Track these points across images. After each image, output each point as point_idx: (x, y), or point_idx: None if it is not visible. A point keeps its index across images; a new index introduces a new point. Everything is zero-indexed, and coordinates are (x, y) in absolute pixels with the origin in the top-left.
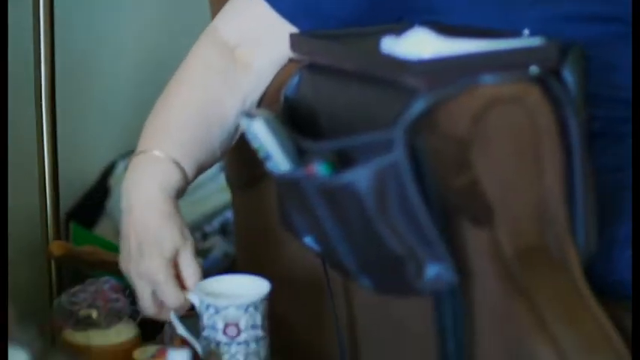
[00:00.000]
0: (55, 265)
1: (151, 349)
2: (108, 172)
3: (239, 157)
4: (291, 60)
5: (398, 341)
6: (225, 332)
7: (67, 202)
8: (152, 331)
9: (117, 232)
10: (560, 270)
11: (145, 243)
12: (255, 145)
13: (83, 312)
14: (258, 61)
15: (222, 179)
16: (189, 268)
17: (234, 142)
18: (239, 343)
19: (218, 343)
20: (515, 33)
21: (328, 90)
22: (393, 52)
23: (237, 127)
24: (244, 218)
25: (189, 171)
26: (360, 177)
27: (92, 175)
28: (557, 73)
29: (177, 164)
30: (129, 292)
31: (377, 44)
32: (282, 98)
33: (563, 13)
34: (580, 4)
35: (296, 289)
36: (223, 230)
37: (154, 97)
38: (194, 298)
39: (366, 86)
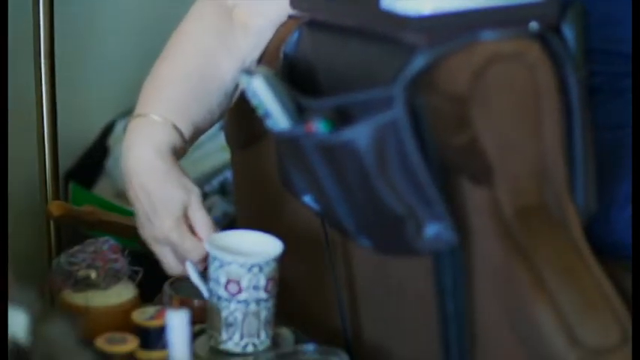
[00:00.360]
0: (54, 225)
1: (149, 310)
2: (107, 131)
3: (238, 116)
4: (290, 17)
5: (397, 302)
6: (226, 288)
7: (66, 162)
8: (151, 292)
9: (116, 191)
10: (559, 229)
11: (150, 208)
12: (254, 102)
13: (82, 272)
14: (256, 21)
15: (221, 138)
16: (200, 221)
17: (232, 103)
18: (239, 302)
19: (219, 298)
20: None
21: (328, 47)
22: (393, 8)
23: (235, 88)
24: (243, 177)
25: (187, 133)
26: (360, 134)
27: (91, 134)
28: (557, 30)
29: (174, 126)
30: (128, 252)
31: (377, 0)
32: (281, 55)
33: None
34: None
35: (295, 250)
36: (222, 190)
37: (154, 57)
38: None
39: (366, 43)
